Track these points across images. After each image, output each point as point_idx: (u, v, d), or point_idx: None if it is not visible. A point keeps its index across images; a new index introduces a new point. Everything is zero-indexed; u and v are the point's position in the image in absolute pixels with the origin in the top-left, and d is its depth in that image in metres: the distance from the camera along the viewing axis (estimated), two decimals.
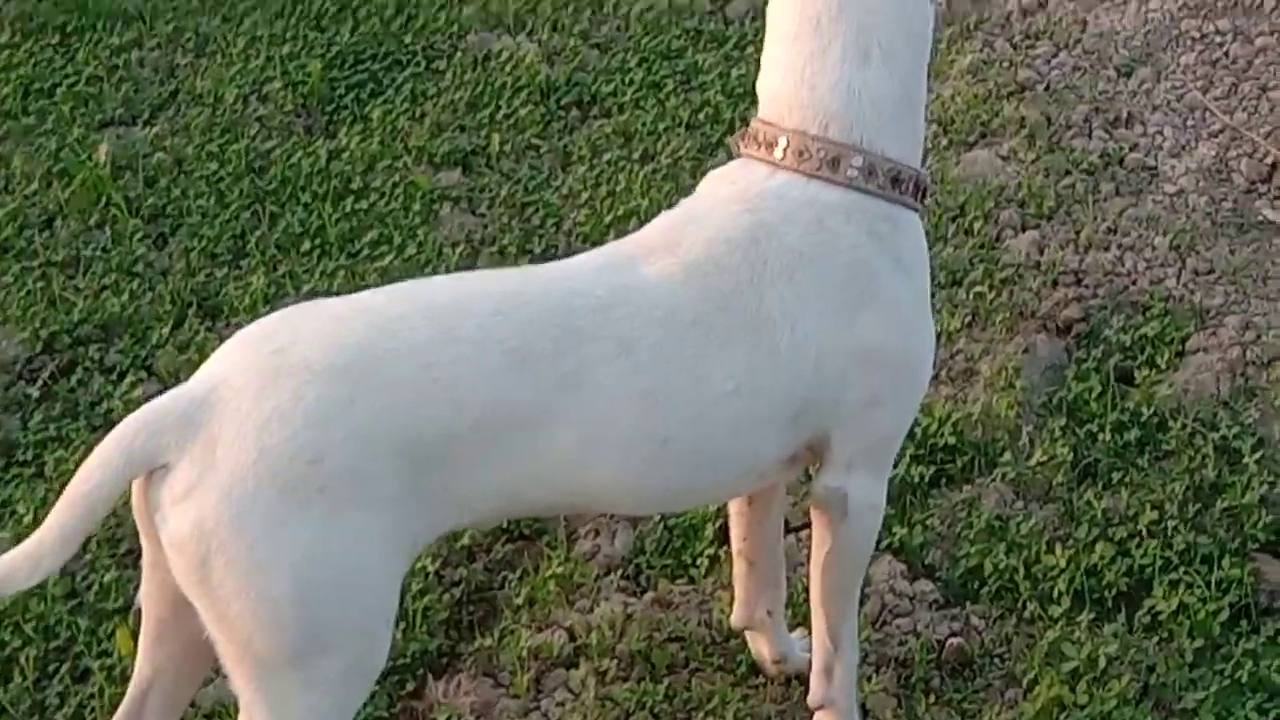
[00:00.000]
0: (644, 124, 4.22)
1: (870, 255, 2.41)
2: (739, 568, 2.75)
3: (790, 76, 2.43)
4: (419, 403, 2.20)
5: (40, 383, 3.52)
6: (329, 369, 2.17)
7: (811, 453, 2.48)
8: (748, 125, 2.49)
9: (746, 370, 2.34)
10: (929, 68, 2.50)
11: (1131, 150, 4.06)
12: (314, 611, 2.17)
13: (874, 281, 2.42)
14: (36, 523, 3.04)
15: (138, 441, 2.15)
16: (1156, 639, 2.87)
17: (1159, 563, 2.97)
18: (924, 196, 2.50)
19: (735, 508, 2.72)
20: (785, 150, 2.41)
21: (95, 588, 3.01)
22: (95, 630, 2.94)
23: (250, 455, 2.12)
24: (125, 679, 2.70)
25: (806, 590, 2.69)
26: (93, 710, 2.79)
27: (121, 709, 2.41)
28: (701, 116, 4.19)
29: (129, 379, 3.50)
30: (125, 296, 3.72)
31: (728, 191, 2.43)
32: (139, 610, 2.36)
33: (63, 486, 3.15)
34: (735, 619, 2.80)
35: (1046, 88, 4.28)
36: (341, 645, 2.21)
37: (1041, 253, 3.75)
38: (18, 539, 2.58)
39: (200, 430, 2.14)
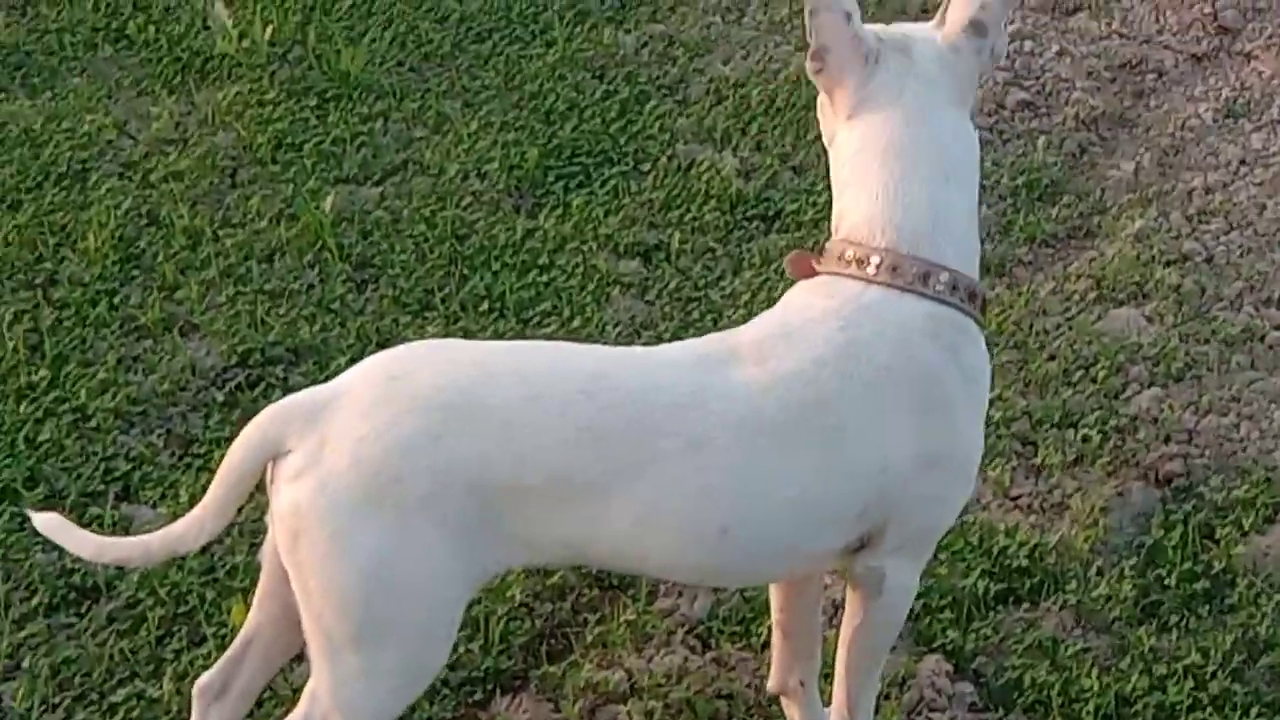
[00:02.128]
0: (818, 243, 4.48)
1: (945, 368, 2.63)
2: (776, 637, 2.96)
3: (880, 199, 2.65)
4: (492, 454, 2.48)
5: (227, 390, 3.95)
6: (427, 405, 2.48)
7: (863, 540, 2.71)
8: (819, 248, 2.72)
9: (814, 478, 2.56)
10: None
11: (1275, 329, 4.17)
12: (375, 606, 2.48)
13: (945, 393, 2.63)
14: (192, 505, 3.49)
15: (272, 428, 2.53)
16: None
17: (1189, 702, 3.11)
18: (985, 309, 2.74)
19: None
20: (879, 267, 2.63)
21: (227, 567, 3.39)
22: (218, 603, 3.30)
23: (346, 461, 2.46)
24: None
25: None
26: (200, 670, 3.13)
27: (228, 651, 2.77)
28: None
29: None
30: (317, 328, 4.14)
31: (823, 306, 2.63)
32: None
33: None
34: (771, 684, 3.02)
35: (1208, 260, 4.43)
36: (398, 643, 2.52)
37: (1161, 410, 3.90)
38: (174, 517, 3.00)
39: (318, 428, 2.49)
